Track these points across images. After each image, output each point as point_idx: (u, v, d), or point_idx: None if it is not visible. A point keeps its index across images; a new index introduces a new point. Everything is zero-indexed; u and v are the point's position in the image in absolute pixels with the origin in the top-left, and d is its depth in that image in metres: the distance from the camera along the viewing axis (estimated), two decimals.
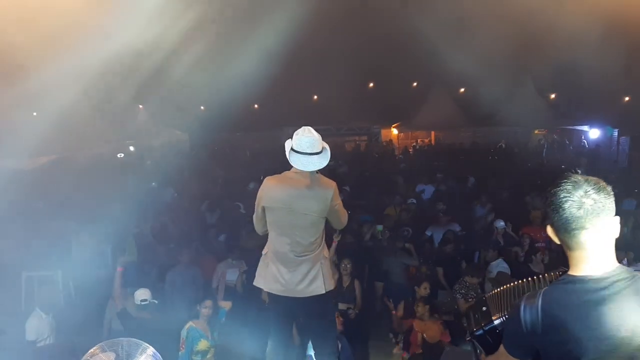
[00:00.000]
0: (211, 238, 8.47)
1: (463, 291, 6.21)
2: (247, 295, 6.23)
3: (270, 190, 3.43)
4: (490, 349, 2.11)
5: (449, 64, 19.37)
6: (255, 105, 25.34)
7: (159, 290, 6.39)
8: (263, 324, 3.98)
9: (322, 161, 3.34)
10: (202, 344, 5.00)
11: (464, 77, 21.58)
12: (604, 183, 1.73)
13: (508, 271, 6.57)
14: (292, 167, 3.41)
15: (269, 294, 3.63)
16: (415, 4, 17.63)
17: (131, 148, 22.40)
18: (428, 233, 8.51)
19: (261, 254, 3.65)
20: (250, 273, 5.09)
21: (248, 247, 6.96)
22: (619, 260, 1.76)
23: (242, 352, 4.79)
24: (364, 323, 6.33)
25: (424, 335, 5.48)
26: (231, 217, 9.42)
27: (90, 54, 9.04)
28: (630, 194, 8.86)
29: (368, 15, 21.46)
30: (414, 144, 24.86)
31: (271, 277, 3.50)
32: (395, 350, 5.65)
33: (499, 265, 6.71)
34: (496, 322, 2.12)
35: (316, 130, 3.40)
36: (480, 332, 2.16)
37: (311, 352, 3.98)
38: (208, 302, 5.20)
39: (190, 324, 5.06)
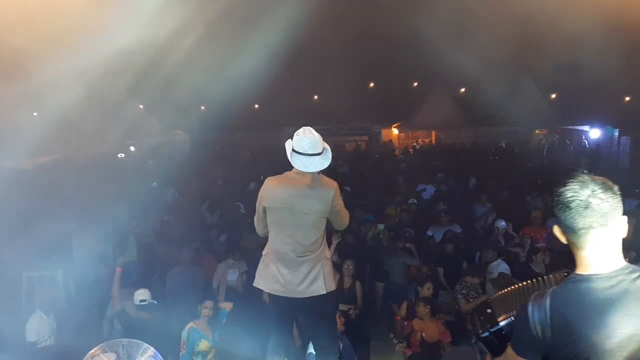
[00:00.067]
0: (212, 238, 8.47)
1: (464, 291, 6.22)
2: (248, 296, 6.22)
3: (271, 190, 3.42)
4: (497, 351, 2.10)
5: (449, 63, 19.37)
6: (256, 105, 25.34)
7: (160, 290, 6.38)
8: (264, 324, 3.97)
9: (324, 162, 3.34)
10: (203, 345, 5.00)
11: (465, 77, 21.60)
12: (611, 183, 1.74)
13: (508, 271, 6.57)
14: (292, 167, 3.40)
15: (269, 294, 3.62)
16: (415, 4, 17.62)
17: (132, 148, 22.40)
18: (429, 233, 8.51)
19: (261, 254, 3.65)
20: (251, 273, 5.09)
21: (249, 247, 6.96)
22: None
23: (242, 352, 4.78)
24: (364, 323, 6.34)
25: (423, 334, 5.48)
26: (231, 217, 9.42)
27: (90, 54, 9.03)
28: (630, 194, 8.87)
29: (369, 15, 21.46)
30: (414, 144, 24.85)
31: (271, 278, 3.49)
32: (397, 349, 5.65)
33: (499, 266, 6.70)
34: (502, 323, 2.12)
35: (316, 130, 3.39)
36: (486, 334, 2.16)
37: (312, 352, 3.98)
38: (208, 303, 5.20)
39: (191, 324, 5.06)
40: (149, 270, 7.20)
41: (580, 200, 1.70)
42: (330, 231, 3.99)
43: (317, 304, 3.49)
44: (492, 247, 7.17)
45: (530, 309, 1.77)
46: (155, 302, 5.43)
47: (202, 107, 23.98)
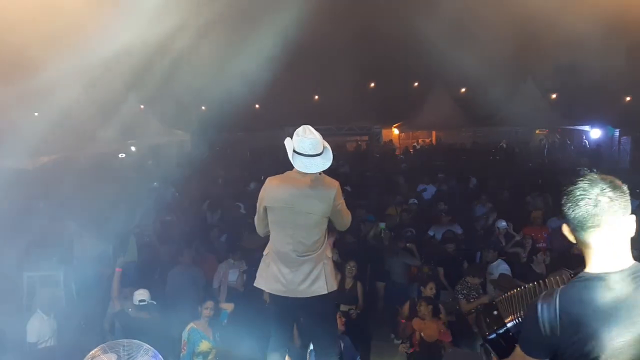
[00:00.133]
0: (212, 238, 8.46)
1: (465, 291, 6.21)
2: (248, 296, 6.21)
3: (272, 190, 3.41)
4: (504, 353, 2.10)
5: (449, 63, 19.36)
6: (257, 105, 25.34)
7: (160, 290, 6.38)
8: (264, 325, 3.96)
9: (326, 162, 3.32)
10: (204, 345, 5.00)
11: (465, 77, 21.58)
12: (620, 182, 1.75)
13: (509, 272, 6.55)
14: (293, 166, 3.39)
15: (270, 294, 3.61)
16: (415, 4, 17.62)
17: (132, 148, 22.38)
18: (430, 233, 8.50)
19: (262, 254, 3.64)
20: (251, 272, 5.08)
21: (250, 247, 6.95)
22: None
23: (243, 353, 4.78)
24: (365, 323, 6.33)
25: (422, 334, 5.49)
26: (232, 217, 9.41)
27: (90, 54, 9.03)
28: (631, 194, 8.85)
29: (369, 15, 21.47)
30: (415, 144, 24.84)
31: (272, 278, 3.48)
32: (400, 349, 5.65)
33: (500, 266, 6.69)
34: (509, 324, 2.12)
35: (317, 130, 3.37)
36: (493, 335, 2.15)
37: (312, 353, 3.98)
38: (209, 303, 5.20)
39: (191, 325, 5.05)
40: (149, 270, 7.20)
41: (590, 198, 1.71)
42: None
43: (318, 304, 3.48)
44: (493, 247, 7.16)
45: (539, 307, 1.77)
46: (155, 303, 5.43)
47: (203, 107, 23.97)
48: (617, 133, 20.72)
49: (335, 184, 3.43)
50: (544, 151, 21.48)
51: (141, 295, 5.35)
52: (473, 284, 6.21)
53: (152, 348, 2.65)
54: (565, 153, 20.83)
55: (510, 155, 19.60)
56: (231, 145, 23.32)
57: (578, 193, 1.74)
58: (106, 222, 7.84)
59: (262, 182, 3.53)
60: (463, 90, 24.83)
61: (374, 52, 23.66)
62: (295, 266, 3.42)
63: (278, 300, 3.55)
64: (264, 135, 23.23)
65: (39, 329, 5.39)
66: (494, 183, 11.95)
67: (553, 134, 25.13)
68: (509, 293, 2.25)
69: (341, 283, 5.93)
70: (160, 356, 2.69)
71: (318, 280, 3.44)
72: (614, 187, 1.72)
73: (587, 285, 1.73)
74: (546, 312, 1.75)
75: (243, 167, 16.38)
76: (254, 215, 3.62)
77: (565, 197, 1.78)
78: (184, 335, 5.00)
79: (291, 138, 3.36)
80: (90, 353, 2.58)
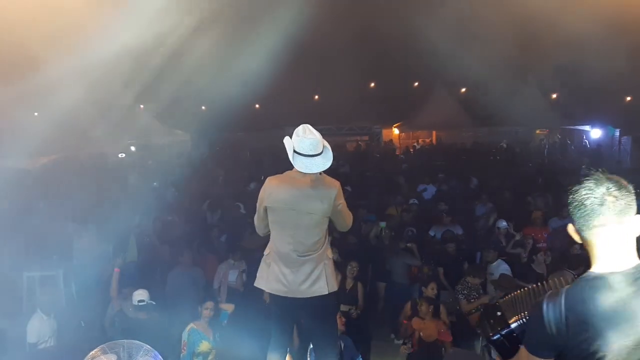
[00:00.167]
0: (213, 238, 8.46)
1: (465, 292, 6.21)
2: (249, 296, 6.21)
3: (272, 190, 3.40)
4: (507, 354, 2.10)
5: (450, 63, 19.35)
6: (257, 105, 25.33)
7: (160, 291, 6.37)
8: (264, 325, 3.96)
9: (326, 162, 3.31)
10: (204, 346, 4.99)
11: (466, 77, 21.56)
12: (626, 182, 1.76)
13: (509, 272, 6.55)
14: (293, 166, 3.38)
15: (270, 294, 3.60)
16: (416, 4, 17.61)
17: (132, 148, 22.40)
18: (431, 233, 8.50)
19: (262, 254, 3.63)
20: (251, 272, 5.06)
21: (250, 247, 6.95)
22: None
23: (243, 353, 4.77)
24: (365, 323, 6.33)
25: (421, 333, 5.48)
26: (232, 217, 9.41)
27: (91, 54, 9.03)
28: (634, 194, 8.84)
29: (369, 15, 21.45)
30: (415, 144, 24.83)
31: (273, 278, 3.47)
32: (402, 350, 5.65)
33: (500, 266, 6.69)
34: (513, 325, 2.12)
35: (317, 129, 3.36)
36: (498, 336, 2.15)
37: (312, 353, 3.97)
38: (209, 304, 5.19)
39: (191, 325, 5.05)
40: (149, 270, 7.19)
41: (595, 197, 1.72)
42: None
43: (318, 305, 3.47)
44: (493, 247, 7.16)
45: (545, 306, 1.77)
46: (154, 303, 5.41)
47: (203, 107, 23.96)
48: (617, 133, 20.72)
49: (336, 184, 3.42)
50: (544, 151, 21.48)
51: (140, 295, 5.34)
52: (473, 284, 6.21)
53: (152, 349, 2.65)
54: (565, 153, 20.83)
55: (511, 155, 19.60)
56: (231, 145, 23.30)
57: (584, 192, 1.74)
58: (106, 222, 7.83)
59: (262, 182, 3.51)
60: (463, 90, 24.80)
61: (374, 52, 23.63)
62: (296, 266, 3.41)
63: (278, 301, 3.54)
64: (264, 135, 23.19)
65: (39, 329, 5.38)
66: (495, 183, 11.95)
67: (553, 134, 25.13)
68: (513, 294, 2.25)
69: (342, 283, 5.93)
70: (160, 357, 2.69)
71: (319, 280, 3.43)
72: (620, 187, 1.72)
73: (593, 284, 1.73)
74: (552, 311, 1.75)
75: (243, 167, 16.37)
76: (254, 215, 3.61)
77: (571, 196, 1.78)
78: (184, 335, 4.99)
79: (290, 137, 3.35)
80: (90, 353, 2.58)
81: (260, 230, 3.60)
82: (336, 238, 6.79)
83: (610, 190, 1.71)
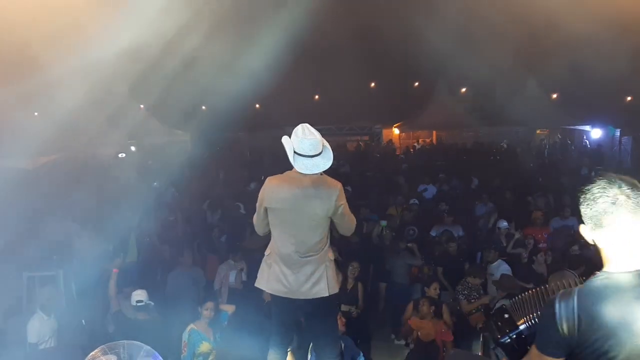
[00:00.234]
0: (213, 238, 8.45)
1: (466, 292, 6.20)
2: (249, 296, 6.20)
3: (272, 190, 3.38)
4: (516, 356, 2.09)
5: (450, 63, 19.33)
6: (257, 105, 25.32)
7: (161, 291, 6.37)
8: (265, 326, 3.95)
9: (327, 162, 3.29)
10: (204, 347, 4.98)
11: (466, 77, 21.54)
12: (638, 182, 1.76)
13: (509, 272, 6.55)
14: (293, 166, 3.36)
15: (271, 294, 3.59)
16: (417, 4, 17.59)
17: (132, 148, 22.39)
18: (433, 233, 8.50)
19: (263, 255, 3.62)
20: (251, 272, 5.05)
21: (251, 247, 6.94)
22: None
23: (243, 354, 4.77)
24: (366, 323, 6.32)
25: (419, 333, 5.48)
26: (232, 218, 9.41)
27: (91, 54, 9.02)
28: None
29: (370, 15, 21.43)
30: (415, 144, 24.82)
31: (274, 278, 3.46)
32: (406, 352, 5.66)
33: (500, 267, 6.68)
34: (521, 327, 2.11)
35: (317, 129, 3.34)
36: (506, 338, 2.15)
37: (312, 353, 3.96)
38: (209, 304, 5.18)
39: (191, 326, 5.04)
40: (149, 270, 7.19)
41: (608, 196, 1.72)
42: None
43: (319, 305, 3.46)
44: (494, 247, 7.16)
45: (557, 305, 1.76)
46: (152, 303, 5.40)
47: (203, 107, 23.95)
48: (617, 133, 20.70)
49: (337, 184, 3.40)
50: (545, 151, 21.46)
51: (139, 295, 5.32)
52: (474, 285, 6.21)
53: (152, 349, 2.64)
54: (566, 153, 20.81)
55: (511, 155, 19.59)
56: (231, 145, 23.29)
57: (596, 191, 1.74)
58: (106, 221, 7.83)
59: (262, 182, 3.50)
60: (464, 90, 24.79)
61: (374, 52, 23.59)
62: (297, 267, 3.39)
63: (279, 301, 3.53)
64: (264, 135, 23.19)
65: (39, 329, 5.37)
66: (496, 183, 11.94)
67: (554, 134, 25.11)
68: (519, 296, 2.25)
69: (343, 283, 5.92)
70: (161, 358, 2.69)
71: (320, 282, 3.41)
72: (632, 186, 1.73)
73: (605, 283, 1.73)
74: (564, 310, 1.74)
75: (243, 167, 16.36)
76: (254, 215, 3.59)
77: (583, 195, 1.78)
78: (184, 336, 4.99)
79: (289, 137, 3.33)
80: (91, 354, 2.57)
81: (259, 229, 3.59)
82: (337, 237, 6.78)
83: (623, 189, 1.71)
